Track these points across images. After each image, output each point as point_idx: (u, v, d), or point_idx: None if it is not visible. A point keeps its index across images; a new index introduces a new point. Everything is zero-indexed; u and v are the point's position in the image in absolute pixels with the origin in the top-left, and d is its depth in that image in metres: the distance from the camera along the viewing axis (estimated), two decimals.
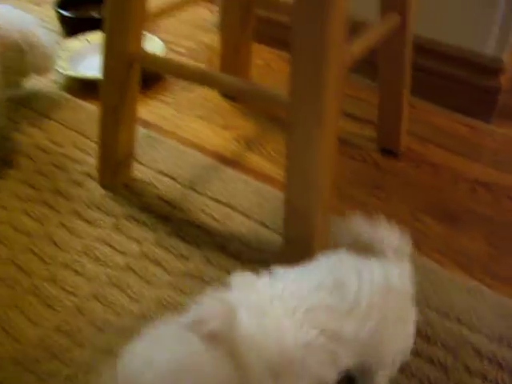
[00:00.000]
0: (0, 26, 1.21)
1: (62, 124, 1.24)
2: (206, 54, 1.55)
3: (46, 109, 1.30)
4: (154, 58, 0.91)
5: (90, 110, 1.28)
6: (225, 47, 1.26)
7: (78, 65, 1.47)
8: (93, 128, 1.20)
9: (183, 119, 1.26)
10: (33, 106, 1.31)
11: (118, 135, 0.98)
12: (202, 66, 1.49)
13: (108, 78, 0.93)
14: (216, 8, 1.76)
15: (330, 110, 0.76)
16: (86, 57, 1.51)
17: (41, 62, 1.33)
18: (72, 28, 1.61)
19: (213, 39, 1.61)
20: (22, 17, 1.31)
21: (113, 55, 0.91)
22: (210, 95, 1.35)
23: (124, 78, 0.92)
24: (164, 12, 0.97)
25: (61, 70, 1.40)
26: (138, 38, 0.90)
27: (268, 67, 1.48)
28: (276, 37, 1.53)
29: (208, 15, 1.81)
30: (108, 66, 0.92)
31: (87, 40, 1.55)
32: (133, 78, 0.94)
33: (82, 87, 1.38)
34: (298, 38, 0.71)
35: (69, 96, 1.36)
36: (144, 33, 0.91)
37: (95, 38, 1.55)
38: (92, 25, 1.59)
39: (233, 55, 1.26)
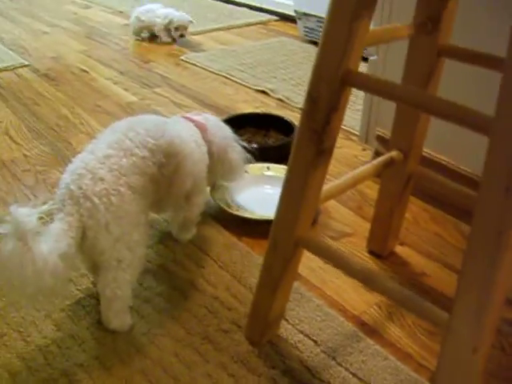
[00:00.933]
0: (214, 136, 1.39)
1: (215, 262, 1.33)
2: (356, 200, 1.61)
3: (201, 242, 1.40)
4: (318, 246, 0.97)
5: (243, 250, 1.37)
6: (380, 208, 1.31)
7: (235, 196, 1.56)
8: (245, 271, 1.28)
9: (329, 273, 1.31)
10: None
11: (272, 303, 1.04)
12: (352, 214, 1.55)
13: (274, 251, 1.00)
14: (368, 146, 1.83)
15: (487, 339, 0.78)
16: (243, 188, 1.60)
17: (227, 175, 1.48)
18: None
19: (364, 183, 1.67)
20: (223, 128, 1.46)
21: (281, 234, 0.97)
22: (358, 248, 1.40)
23: (289, 255, 0.98)
24: (332, 196, 1.03)
25: (222, 205, 1.49)
26: (307, 224, 0.97)
27: (416, 223, 1.51)
28: (426, 191, 1.56)
29: (359, 153, 1.87)
30: (275, 241, 0.99)
31: (245, 171, 1.64)
32: (298, 255, 1.00)
33: (238, 222, 1.46)
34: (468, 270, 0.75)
35: (223, 230, 1.45)
36: None
37: (253, 169, 1.65)
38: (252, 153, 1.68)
39: (386, 216, 1.30)
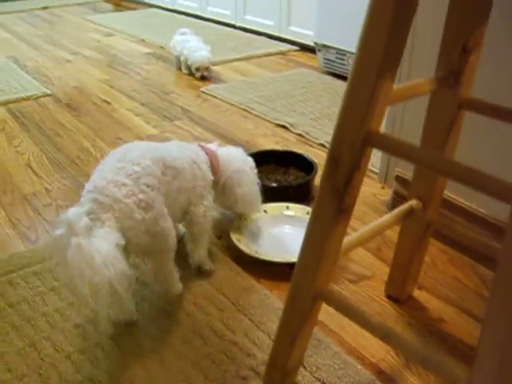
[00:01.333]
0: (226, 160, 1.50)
1: (234, 305, 1.33)
2: (375, 241, 1.60)
3: (220, 283, 1.41)
4: (337, 300, 0.98)
5: (262, 293, 1.37)
6: (399, 253, 1.31)
7: (254, 236, 1.57)
8: (263, 316, 1.29)
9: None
10: (208, 277, 1.43)
11: (291, 353, 1.04)
12: (371, 256, 1.55)
13: (293, 303, 1.00)
14: (387, 185, 1.83)
15: None
16: (262, 228, 1.61)
17: (236, 208, 1.55)
18: None
19: None
20: (238, 162, 1.52)
21: (300, 288, 0.98)
22: (376, 292, 1.40)
23: (308, 308, 0.99)
24: (353, 248, 1.04)
25: (240, 246, 1.50)
26: (327, 277, 0.98)
27: (434, 266, 1.51)
28: (445, 234, 1.56)
29: (378, 191, 1.87)
30: (294, 294, 0.99)
31: (265, 210, 1.65)
32: (317, 308, 1.01)
33: (256, 263, 1.47)
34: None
35: (242, 271, 1.46)
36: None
37: (272, 208, 1.66)
38: (271, 193, 1.69)
39: (406, 262, 1.30)
